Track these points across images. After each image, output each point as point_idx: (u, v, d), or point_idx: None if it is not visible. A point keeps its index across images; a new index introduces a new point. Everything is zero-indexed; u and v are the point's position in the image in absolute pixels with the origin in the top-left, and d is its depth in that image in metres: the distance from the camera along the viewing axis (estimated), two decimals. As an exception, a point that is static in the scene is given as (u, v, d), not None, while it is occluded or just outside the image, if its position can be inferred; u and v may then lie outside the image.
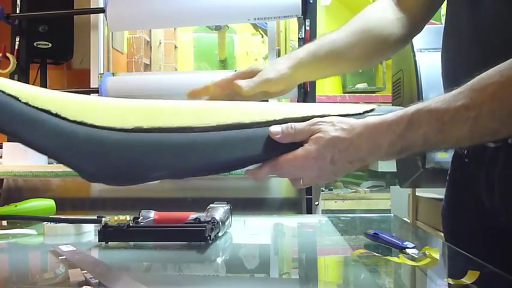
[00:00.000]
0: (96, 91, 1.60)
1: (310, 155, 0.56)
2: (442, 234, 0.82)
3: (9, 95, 0.54)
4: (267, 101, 0.78)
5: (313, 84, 1.51)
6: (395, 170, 2.01)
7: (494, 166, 0.64)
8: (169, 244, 0.71)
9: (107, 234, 0.71)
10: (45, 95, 0.56)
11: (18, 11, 1.86)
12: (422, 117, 0.52)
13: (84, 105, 0.57)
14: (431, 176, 1.57)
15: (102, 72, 1.80)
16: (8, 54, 1.72)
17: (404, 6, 0.76)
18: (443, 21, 0.80)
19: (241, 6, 1.62)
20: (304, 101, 1.47)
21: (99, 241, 0.71)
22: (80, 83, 1.94)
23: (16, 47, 1.81)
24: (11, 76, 1.69)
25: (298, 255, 0.76)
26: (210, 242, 0.70)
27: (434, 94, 0.54)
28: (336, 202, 3.47)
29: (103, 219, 0.76)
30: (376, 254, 0.66)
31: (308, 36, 1.54)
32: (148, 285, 0.50)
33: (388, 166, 3.37)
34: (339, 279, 0.64)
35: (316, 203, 1.38)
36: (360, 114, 0.59)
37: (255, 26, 2.92)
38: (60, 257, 0.64)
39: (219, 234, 0.75)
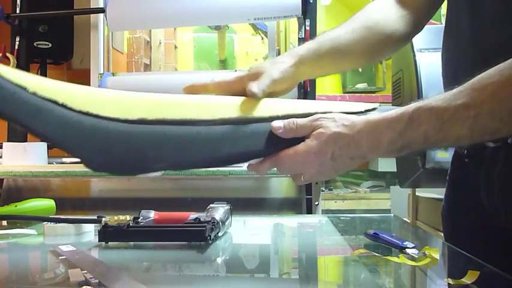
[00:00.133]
0: (96, 91, 1.60)
1: (312, 150, 0.56)
2: (442, 234, 0.82)
3: (17, 84, 0.54)
4: None
5: (313, 84, 1.51)
6: (395, 170, 2.00)
7: (494, 166, 0.64)
8: (169, 244, 0.71)
9: (107, 234, 0.71)
10: (52, 85, 0.57)
11: (18, 11, 1.86)
12: (423, 115, 0.52)
13: (90, 96, 0.58)
14: (431, 176, 1.57)
15: (102, 72, 1.80)
16: (8, 54, 1.72)
17: (406, 3, 0.76)
18: (443, 21, 0.80)
19: (241, 6, 1.62)
20: (304, 101, 1.47)
21: (99, 241, 0.71)
22: (80, 83, 1.94)
23: (16, 47, 1.81)
24: (11, 76, 1.68)
25: (298, 255, 0.76)
26: (210, 242, 0.70)
27: (434, 94, 0.54)
28: (336, 202, 3.46)
29: (103, 219, 0.76)
30: (376, 254, 0.66)
31: (308, 36, 1.54)
32: (148, 285, 0.50)
33: (388, 166, 3.37)
34: (339, 279, 0.64)
35: (316, 203, 1.38)
36: (361, 112, 0.60)
37: (254, 28, 2.92)
38: (60, 257, 0.64)
39: (219, 234, 0.75)
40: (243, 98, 0.62)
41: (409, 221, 2.05)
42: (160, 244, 0.72)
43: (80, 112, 0.56)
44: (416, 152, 0.56)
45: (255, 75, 0.65)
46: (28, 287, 0.56)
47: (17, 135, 1.77)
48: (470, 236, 0.72)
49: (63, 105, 0.56)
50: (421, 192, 2.10)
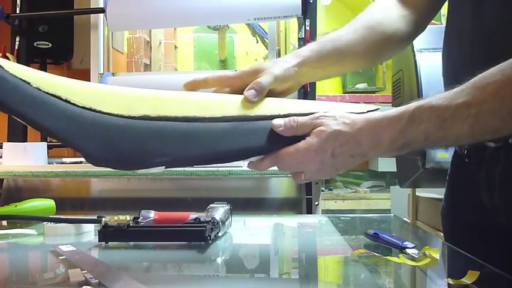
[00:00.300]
0: (96, 91, 1.60)
1: (312, 148, 0.56)
2: (442, 234, 0.82)
3: (21, 79, 0.55)
4: None
5: (313, 84, 1.51)
6: (396, 170, 2.01)
7: (495, 166, 0.64)
8: (169, 244, 0.71)
9: (107, 234, 0.71)
10: (56, 80, 0.58)
11: (18, 11, 1.86)
12: (424, 113, 0.52)
13: (93, 93, 0.59)
14: (431, 176, 1.57)
15: (102, 72, 1.80)
16: (8, 54, 1.72)
17: (408, 3, 0.76)
18: (443, 21, 0.80)
19: (241, 6, 1.62)
20: (304, 101, 1.47)
21: (99, 241, 0.71)
22: (80, 83, 1.94)
23: (16, 47, 1.81)
24: (11, 76, 1.68)
25: (298, 255, 0.76)
26: (210, 242, 0.70)
27: (435, 94, 0.54)
28: (336, 202, 3.47)
29: (103, 219, 0.76)
30: (376, 254, 0.66)
31: (308, 36, 1.54)
32: (148, 285, 0.50)
33: (388, 166, 3.37)
34: (339, 279, 0.64)
35: (316, 203, 1.38)
36: (364, 113, 0.60)
37: (253, 32, 2.91)
38: (60, 257, 0.64)
39: (219, 234, 0.75)
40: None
41: (409, 221, 2.05)
42: (160, 244, 0.72)
43: (83, 108, 0.57)
44: (416, 150, 0.56)
45: (256, 72, 0.65)
46: (28, 287, 0.56)
47: (17, 135, 1.77)
48: (471, 236, 0.72)
49: (66, 101, 0.56)
50: (421, 192, 2.10)
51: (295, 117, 0.59)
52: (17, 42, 1.82)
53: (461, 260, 0.66)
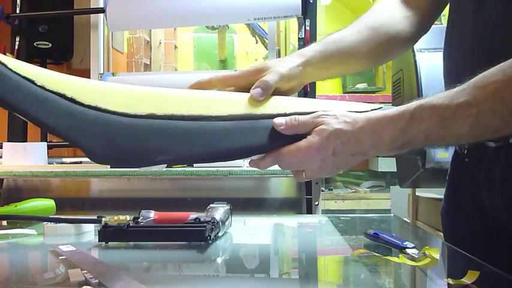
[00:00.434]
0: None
1: (313, 146, 0.56)
2: (442, 234, 0.82)
3: (24, 77, 0.55)
4: None
5: (313, 84, 1.51)
6: (396, 170, 2.00)
7: (495, 166, 0.64)
8: (169, 244, 0.71)
9: (107, 234, 0.71)
10: (61, 79, 0.58)
11: (18, 11, 1.86)
12: (424, 112, 0.52)
13: (98, 91, 0.59)
14: (431, 176, 1.57)
15: (102, 72, 1.80)
16: (8, 54, 1.72)
17: (412, 4, 0.76)
18: (443, 21, 0.80)
19: (241, 6, 1.62)
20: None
21: (99, 241, 0.71)
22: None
23: (16, 47, 1.81)
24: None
25: (298, 255, 0.76)
26: (210, 242, 0.70)
27: (435, 93, 0.54)
28: (336, 202, 3.47)
29: (103, 219, 0.76)
30: (376, 254, 0.66)
31: (308, 36, 1.54)
32: (148, 285, 0.50)
33: (388, 166, 3.37)
34: (339, 279, 0.64)
35: (316, 203, 1.38)
36: (365, 112, 0.60)
37: (252, 32, 2.91)
38: (60, 257, 0.64)
39: (219, 234, 0.75)
40: (249, 94, 0.62)
41: (409, 221, 2.05)
42: (160, 244, 0.72)
43: (89, 106, 0.57)
44: (417, 149, 0.56)
45: (259, 71, 0.65)
46: (28, 287, 0.56)
47: (17, 135, 1.77)
48: (470, 236, 0.72)
49: (71, 99, 0.56)
50: (421, 192, 2.10)
51: (296, 116, 0.59)
52: (17, 42, 1.82)
53: (461, 260, 0.66)
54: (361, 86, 4.16)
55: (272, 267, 0.67)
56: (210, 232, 0.70)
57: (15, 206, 0.93)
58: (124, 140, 0.57)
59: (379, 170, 3.58)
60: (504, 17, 0.60)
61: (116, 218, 0.76)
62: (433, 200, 1.95)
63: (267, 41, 2.15)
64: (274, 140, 0.59)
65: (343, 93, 4.18)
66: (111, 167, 1.32)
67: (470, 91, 0.50)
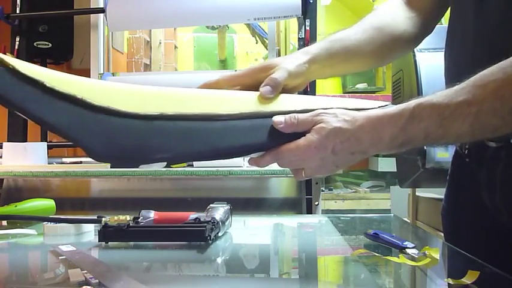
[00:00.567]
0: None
1: (312, 145, 0.56)
2: (442, 234, 0.82)
3: (33, 79, 0.55)
4: None
5: (313, 83, 1.51)
6: (396, 170, 2.00)
7: (496, 166, 0.64)
8: (169, 244, 0.71)
9: (107, 234, 0.71)
10: (70, 79, 0.58)
11: (18, 11, 1.86)
12: (424, 111, 0.52)
13: (108, 91, 0.59)
14: (431, 176, 1.57)
15: (102, 72, 1.80)
16: (8, 54, 1.72)
17: (415, 5, 0.76)
18: (444, 21, 0.80)
19: (241, 6, 1.62)
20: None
21: (99, 241, 0.71)
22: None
23: (16, 47, 1.81)
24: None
25: (298, 255, 0.76)
26: (210, 242, 0.70)
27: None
28: (336, 202, 3.47)
29: (103, 219, 0.76)
30: (376, 254, 0.66)
31: (308, 36, 1.54)
32: (148, 285, 0.50)
33: (388, 166, 3.38)
34: (339, 279, 0.64)
35: (316, 203, 1.38)
36: (365, 110, 0.60)
37: (252, 32, 2.92)
38: (60, 257, 0.64)
39: (219, 234, 0.75)
40: (258, 93, 0.62)
41: (409, 221, 2.05)
42: (160, 244, 0.72)
43: (100, 107, 0.57)
44: (417, 148, 0.56)
45: (265, 68, 0.65)
46: (28, 287, 0.56)
47: (17, 135, 1.77)
48: (471, 236, 0.72)
49: (82, 100, 0.56)
50: (421, 192, 2.10)
51: (295, 114, 0.59)
52: (17, 42, 1.82)
53: (461, 260, 0.66)
54: (361, 86, 4.17)
55: (272, 267, 0.67)
56: (210, 232, 0.70)
57: (15, 206, 0.93)
58: (124, 138, 0.58)
59: (379, 170, 3.58)
60: (505, 17, 0.60)
61: (115, 218, 0.76)
62: (433, 200, 1.95)
63: (267, 41, 2.16)
64: (273, 138, 0.59)
65: (343, 93, 4.19)
66: (111, 166, 1.32)
67: (470, 90, 0.50)
